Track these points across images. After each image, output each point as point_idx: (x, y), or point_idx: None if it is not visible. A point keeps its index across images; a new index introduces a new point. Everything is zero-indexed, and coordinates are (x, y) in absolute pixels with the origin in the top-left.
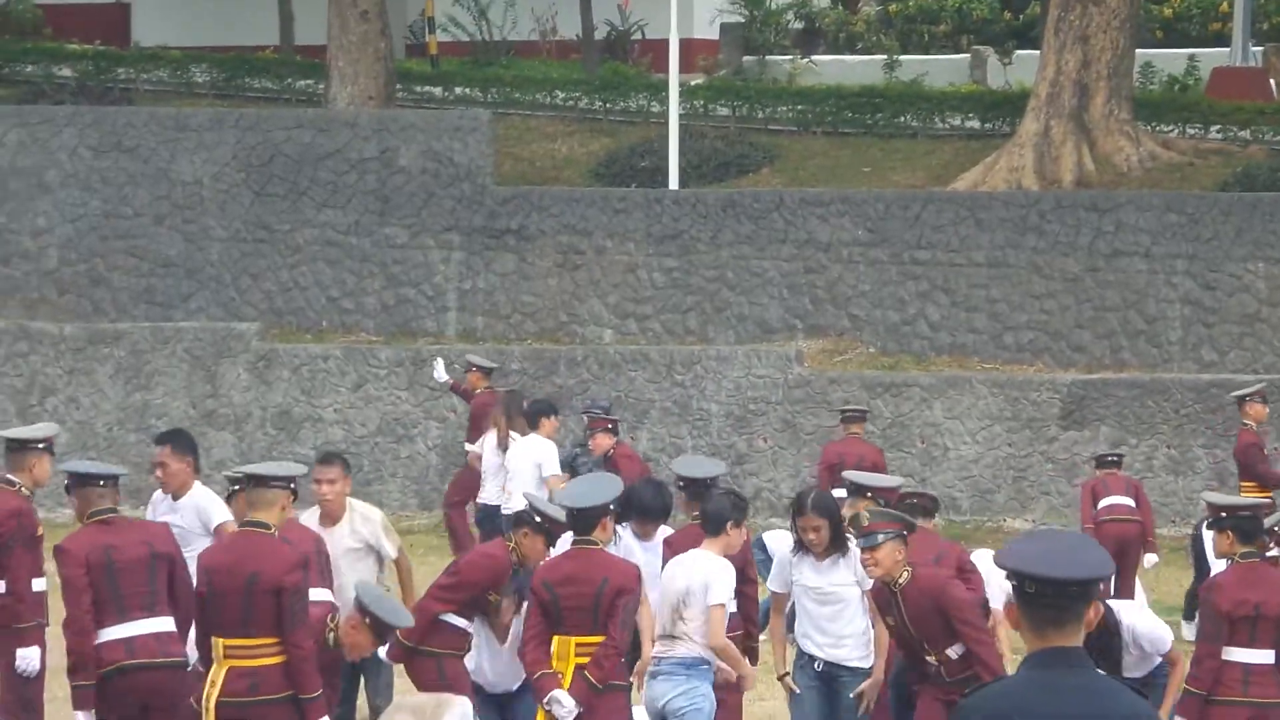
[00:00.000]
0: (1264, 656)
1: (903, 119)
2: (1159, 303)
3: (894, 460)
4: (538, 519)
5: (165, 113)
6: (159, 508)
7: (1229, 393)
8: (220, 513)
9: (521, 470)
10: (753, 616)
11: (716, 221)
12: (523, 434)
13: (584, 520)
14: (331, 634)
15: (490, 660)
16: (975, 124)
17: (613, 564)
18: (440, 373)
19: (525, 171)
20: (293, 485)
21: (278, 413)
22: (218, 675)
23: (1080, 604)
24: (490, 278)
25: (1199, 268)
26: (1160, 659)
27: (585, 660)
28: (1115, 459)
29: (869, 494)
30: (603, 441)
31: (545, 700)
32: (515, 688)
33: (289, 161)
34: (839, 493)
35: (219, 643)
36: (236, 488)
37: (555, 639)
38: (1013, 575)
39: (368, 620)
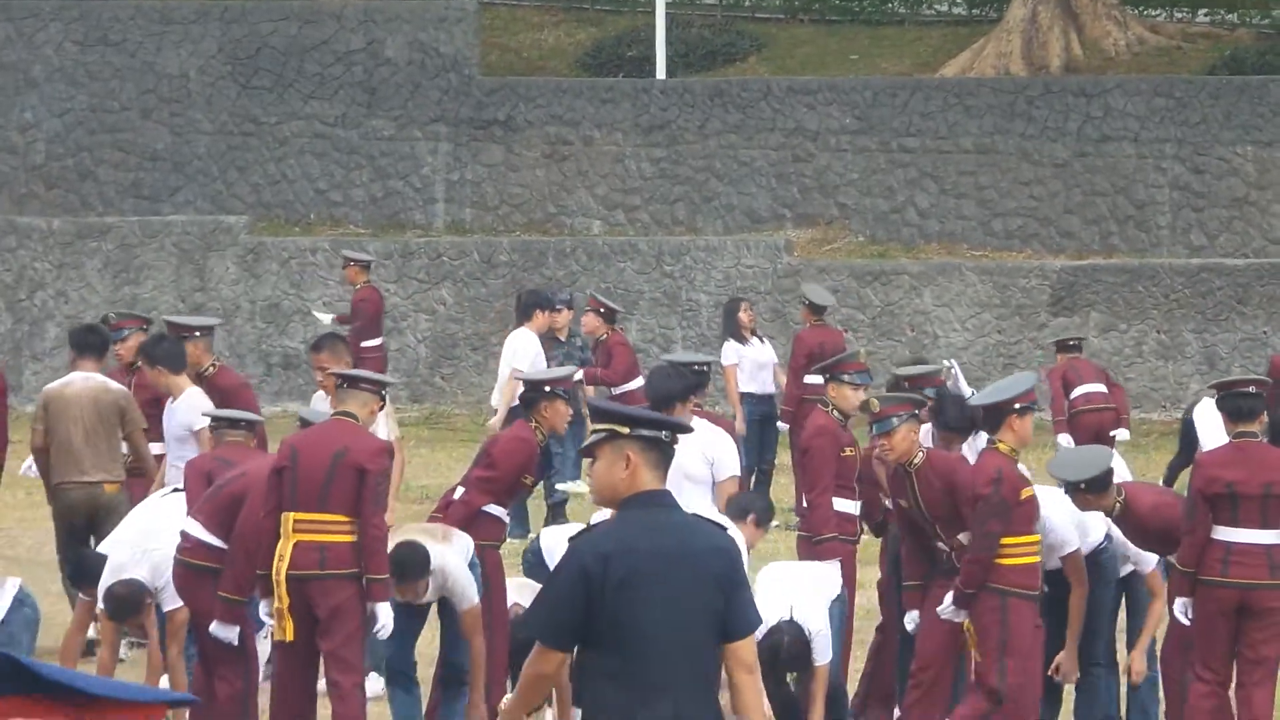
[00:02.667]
0: (1250, 536)
1: (890, 5)
2: (1148, 187)
3: (884, 349)
4: (546, 388)
5: (150, 6)
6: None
7: (1219, 277)
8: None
9: (504, 360)
10: None
11: (704, 111)
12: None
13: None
14: (538, 429)
15: None
16: (962, 10)
17: None
18: (322, 316)
19: (512, 62)
20: (384, 392)
21: (266, 306)
22: (285, 549)
23: (674, 452)
24: (478, 169)
25: (1187, 152)
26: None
27: None
28: (1077, 343)
29: (906, 383)
30: (591, 323)
31: None
32: None
33: (275, 54)
34: (814, 379)
35: (289, 517)
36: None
37: None
38: (626, 422)
39: (548, 388)
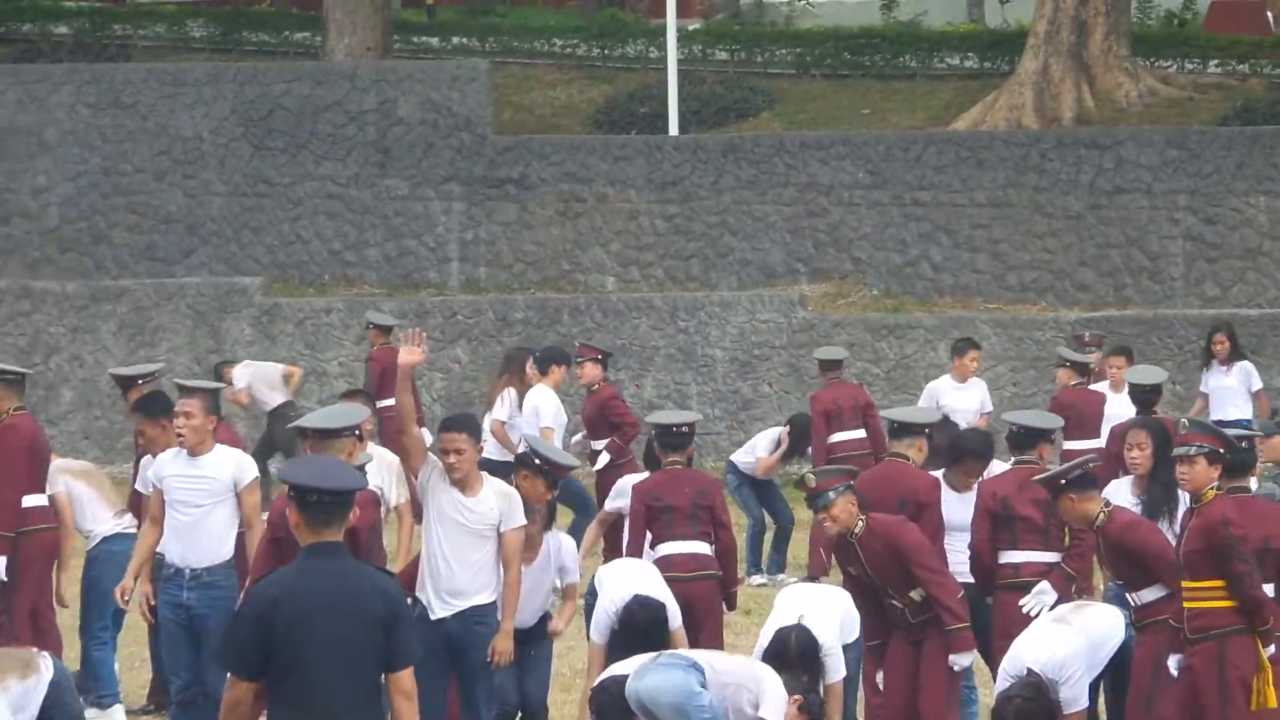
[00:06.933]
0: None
1: (902, 60)
2: (1161, 239)
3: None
4: (537, 461)
5: (163, 68)
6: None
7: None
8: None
9: (527, 420)
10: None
11: (717, 166)
12: (532, 385)
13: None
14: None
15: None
16: (974, 63)
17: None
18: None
19: (525, 120)
20: (358, 432)
21: None
22: None
23: (344, 509)
24: (492, 228)
25: (1200, 203)
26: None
27: None
28: (1085, 367)
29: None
30: (591, 373)
31: None
32: (532, 623)
33: (288, 115)
34: (840, 436)
35: None
36: None
37: None
38: (295, 489)
39: (539, 461)
